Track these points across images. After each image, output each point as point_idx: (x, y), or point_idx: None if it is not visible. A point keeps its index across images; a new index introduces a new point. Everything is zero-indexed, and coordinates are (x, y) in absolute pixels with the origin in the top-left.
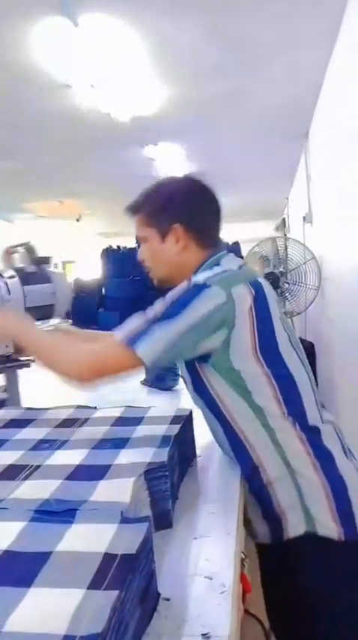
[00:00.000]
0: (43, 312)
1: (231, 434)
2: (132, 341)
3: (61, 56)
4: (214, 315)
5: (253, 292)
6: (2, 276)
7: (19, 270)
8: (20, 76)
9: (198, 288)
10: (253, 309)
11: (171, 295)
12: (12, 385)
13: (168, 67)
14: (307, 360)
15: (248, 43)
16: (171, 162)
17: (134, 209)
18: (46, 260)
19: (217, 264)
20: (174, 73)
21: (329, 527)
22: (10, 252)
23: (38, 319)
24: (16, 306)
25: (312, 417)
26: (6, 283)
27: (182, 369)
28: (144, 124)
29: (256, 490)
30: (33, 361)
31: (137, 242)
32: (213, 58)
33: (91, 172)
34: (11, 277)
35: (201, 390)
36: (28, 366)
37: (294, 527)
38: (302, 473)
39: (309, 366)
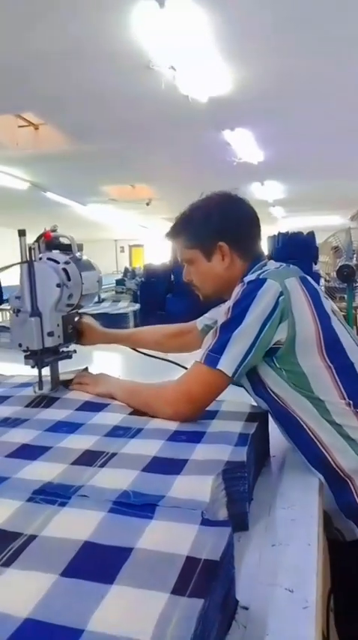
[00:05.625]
0: (89, 301)
1: (299, 433)
2: (213, 360)
3: (145, 38)
4: (276, 306)
5: (303, 285)
6: (58, 262)
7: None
8: (104, 58)
9: (254, 285)
10: (310, 301)
11: (232, 301)
12: (54, 376)
13: (246, 47)
14: None
15: (330, 23)
16: (246, 147)
17: (174, 233)
18: (80, 247)
19: (264, 265)
20: (252, 52)
21: None
22: (49, 236)
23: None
24: (75, 292)
25: None
26: (64, 269)
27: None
28: (222, 107)
29: (335, 487)
30: (74, 352)
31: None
32: (291, 37)
33: (164, 157)
34: (67, 263)
35: (261, 393)
36: (70, 357)
37: None
38: None
39: None
